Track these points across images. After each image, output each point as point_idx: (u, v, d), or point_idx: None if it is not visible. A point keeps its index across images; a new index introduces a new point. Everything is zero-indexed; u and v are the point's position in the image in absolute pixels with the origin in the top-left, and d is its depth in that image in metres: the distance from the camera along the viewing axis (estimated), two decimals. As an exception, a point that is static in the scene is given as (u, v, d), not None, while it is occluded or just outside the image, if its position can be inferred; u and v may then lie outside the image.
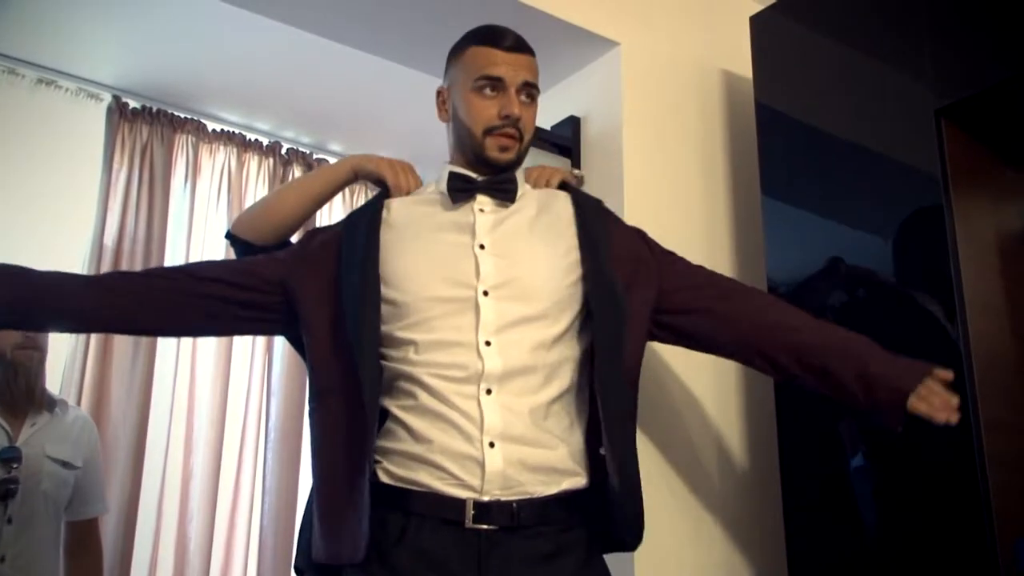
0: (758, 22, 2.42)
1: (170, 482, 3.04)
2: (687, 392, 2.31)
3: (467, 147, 1.62)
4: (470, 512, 1.37)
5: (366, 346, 1.44)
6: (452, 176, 1.61)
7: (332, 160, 3.59)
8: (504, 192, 1.61)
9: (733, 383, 2.41)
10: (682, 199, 2.48)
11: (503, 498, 1.39)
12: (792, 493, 2.10)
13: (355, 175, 1.76)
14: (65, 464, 2.31)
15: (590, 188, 2.44)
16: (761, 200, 2.31)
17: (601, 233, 1.62)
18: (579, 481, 1.46)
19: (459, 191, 1.60)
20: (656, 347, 2.16)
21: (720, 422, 2.35)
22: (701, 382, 2.34)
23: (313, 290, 1.53)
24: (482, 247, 1.53)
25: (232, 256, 1.81)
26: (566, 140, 2.47)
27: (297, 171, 3.53)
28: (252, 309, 1.56)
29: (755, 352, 1.63)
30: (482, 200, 1.60)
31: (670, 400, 2.27)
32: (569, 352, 1.51)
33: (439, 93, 1.70)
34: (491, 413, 1.41)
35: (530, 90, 1.62)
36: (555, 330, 1.49)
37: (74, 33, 2.88)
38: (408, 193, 1.68)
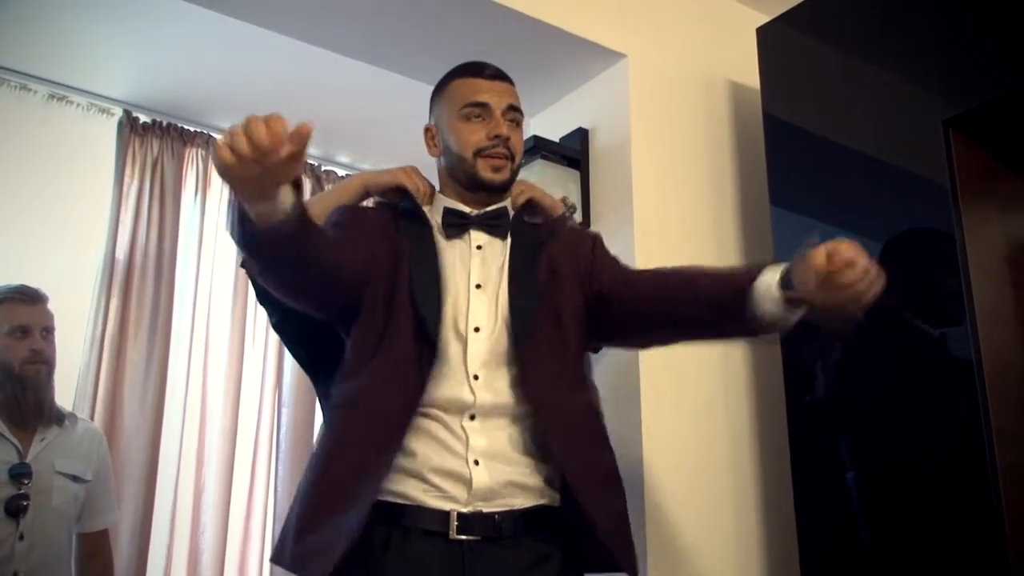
0: (765, 33, 2.43)
1: (182, 494, 3.05)
2: (698, 400, 2.31)
3: (459, 173, 1.65)
4: (454, 523, 1.42)
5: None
6: (447, 212, 1.64)
7: (340, 172, 3.61)
8: (497, 228, 1.64)
9: (743, 388, 2.41)
10: (691, 210, 2.48)
11: (485, 510, 1.44)
12: (804, 504, 2.10)
13: (367, 192, 1.76)
14: (75, 478, 2.32)
15: (599, 199, 2.45)
16: (770, 210, 2.31)
17: (529, 259, 1.63)
18: (555, 499, 1.51)
19: (453, 227, 1.63)
20: (662, 355, 2.17)
21: (732, 431, 2.36)
22: (712, 385, 2.34)
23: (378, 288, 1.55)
24: (478, 287, 1.57)
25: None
26: (574, 152, 2.48)
27: (304, 183, 3.54)
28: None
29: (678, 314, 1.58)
30: (476, 236, 1.63)
31: (680, 405, 2.27)
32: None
33: (427, 130, 1.73)
34: (475, 435, 1.47)
35: (515, 114, 1.66)
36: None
37: (85, 49, 2.90)
38: (426, 196, 1.71)
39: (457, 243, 1.62)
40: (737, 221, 2.56)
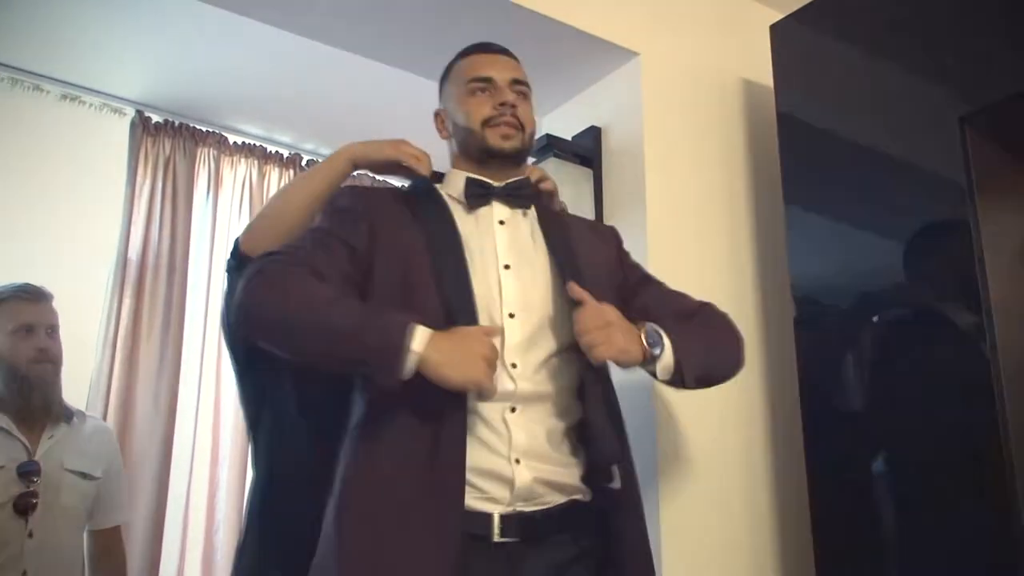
0: (778, 30, 2.41)
1: (196, 492, 3.05)
2: (711, 412, 2.30)
3: (471, 148, 1.63)
4: (497, 526, 1.38)
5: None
6: (469, 182, 1.61)
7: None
8: (519, 200, 1.62)
9: (758, 398, 2.39)
10: (704, 208, 2.47)
11: (525, 510, 1.40)
12: (821, 513, 2.08)
13: (354, 166, 1.69)
14: (84, 476, 2.33)
15: (611, 197, 2.43)
16: (784, 208, 2.29)
17: (564, 237, 1.62)
18: (587, 494, 1.48)
19: (476, 196, 1.60)
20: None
21: (746, 441, 2.34)
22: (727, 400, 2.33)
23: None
24: (507, 267, 1.53)
25: None
26: (587, 150, 2.47)
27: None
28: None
29: None
30: (499, 209, 1.61)
31: (691, 418, 2.26)
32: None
33: (437, 115, 1.73)
34: (517, 430, 1.43)
35: (521, 87, 1.65)
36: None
37: (97, 49, 2.91)
38: (425, 164, 1.67)
39: (479, 218, 1.59)
40: (750, 219, 2.55)
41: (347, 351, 1.34)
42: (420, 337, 1.31)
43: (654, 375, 1.48)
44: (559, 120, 2.64)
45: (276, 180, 3.47)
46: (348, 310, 1.37)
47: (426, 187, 1.65)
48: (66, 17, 2.72)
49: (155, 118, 3.21)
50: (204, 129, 3.32)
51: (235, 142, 3.41)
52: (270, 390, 1.69)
